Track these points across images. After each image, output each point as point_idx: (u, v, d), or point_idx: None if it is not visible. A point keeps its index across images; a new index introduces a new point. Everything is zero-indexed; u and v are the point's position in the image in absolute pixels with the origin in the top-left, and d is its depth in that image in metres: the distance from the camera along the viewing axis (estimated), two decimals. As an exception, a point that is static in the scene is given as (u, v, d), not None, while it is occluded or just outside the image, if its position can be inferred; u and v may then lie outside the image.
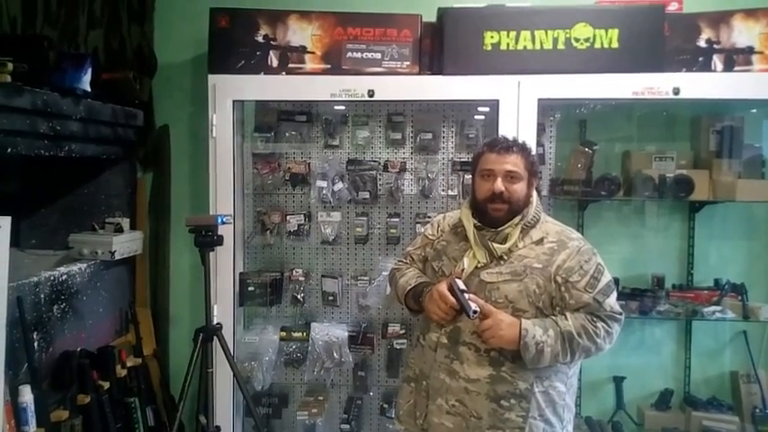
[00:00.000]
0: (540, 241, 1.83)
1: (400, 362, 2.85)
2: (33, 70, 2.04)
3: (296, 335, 2.85)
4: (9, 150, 2.00)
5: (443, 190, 2.88)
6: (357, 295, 2.89)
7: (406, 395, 1.98)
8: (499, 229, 1.82)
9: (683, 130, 2.96)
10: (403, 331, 2.82)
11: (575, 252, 1.80)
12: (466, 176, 2.85)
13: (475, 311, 1.73)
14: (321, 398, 2.91)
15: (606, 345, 1.79)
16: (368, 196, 2.85)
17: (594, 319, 1.77)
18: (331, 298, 2.89)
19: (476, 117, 2.87)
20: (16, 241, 2.69)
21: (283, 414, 2.94)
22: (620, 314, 1.81)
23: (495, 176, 1.82)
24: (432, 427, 1.86)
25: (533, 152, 1.89)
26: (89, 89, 2.37)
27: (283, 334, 2.85)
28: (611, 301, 1.80)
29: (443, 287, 1.81)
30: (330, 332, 2.82)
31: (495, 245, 1.82)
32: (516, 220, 1.82)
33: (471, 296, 1.77)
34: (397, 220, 2.89)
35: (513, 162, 1.81)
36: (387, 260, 2.88)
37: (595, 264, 1.81)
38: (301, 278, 2.89)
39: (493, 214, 1.83)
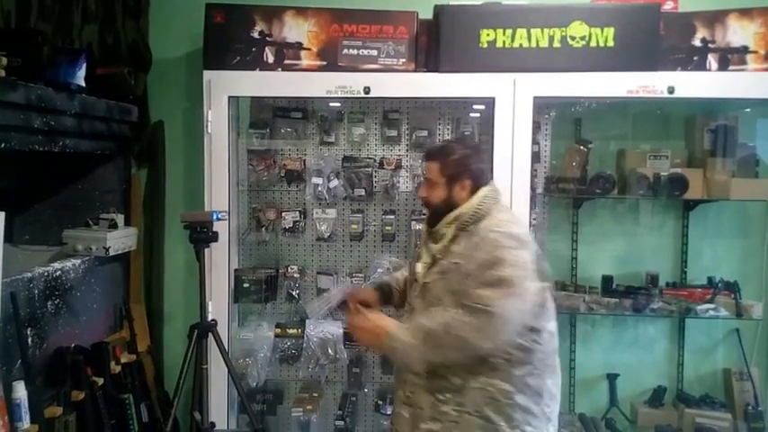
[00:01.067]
0: (471, 239, 1.79)
1: (395, 359, 2.87)
2: (27, 65, 2.03)
3: (291, 331, 2.84)
4: (3, 145, 1.98)
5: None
6: (352, 292, 2.88)
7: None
8: (434, 229, 1.88)
9: (678, 128, 2.97)
10: (398, 328, 2.82)
11: (481, 242, 1.74)
12: (461, 174, 2.86)
13: None
14: (316, 394, 2.92)
15: (481, 341, 1.68)
16: (363, 193, 2.85)
17: (464, 312, 1.68)
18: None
19: (471, 115, 2.88)
20: (9, 237, 2.67)
21: (278, 410, 2.94)
22: (488, 306, 1.65)
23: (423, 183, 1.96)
24: (395, 416, 1.96)
25: (457, 156, 1.86)
26: (83, 84, 2.36)
27: (278, 331, 2.85)
28: (487, 293, 1.66)
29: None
30: (325, 329, 2.81)
31: (431, 244, 1.87)
32: (450, 218, 1.83)
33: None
34: (392, 217, 2.89)
35: (429, 169, 1.90)
36: (382, 257, 2.88)
37: (493, 256, 1.70)
38: (296, 275, 2.89)
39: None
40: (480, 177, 1.87)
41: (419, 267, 1.88)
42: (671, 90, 2.49)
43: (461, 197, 1.84)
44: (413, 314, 1.87)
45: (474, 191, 1.84)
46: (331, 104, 2.90)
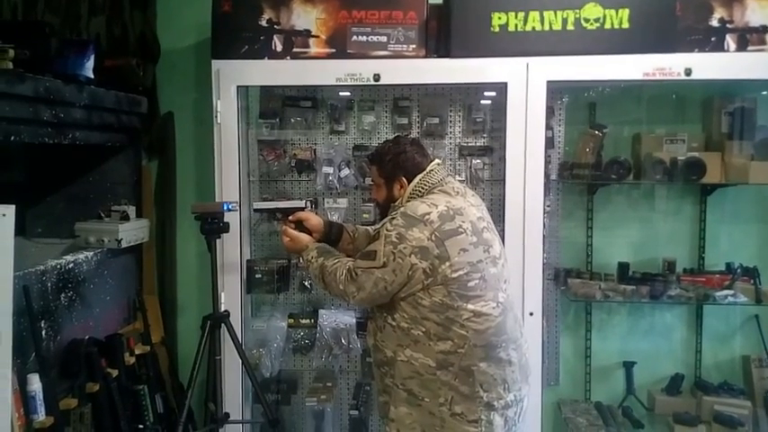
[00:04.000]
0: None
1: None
2: (35, 57, 2.02)
3: (304, 322, 2.84)
4: (12, 138, 1.98)
5: (450, 175, 2.84)
6: (364, 282, 2.87)
7: None
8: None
9: (694, 112, 2.91)
10: (411, 317, 2.81)
11: (383, 232, 1.88)
12: (473, 161, 2.83)
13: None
14: (329, 384, 2.91)
15: (337, 293, 1.94)
16: (374, 182, 2.82)
17: (345, 269, 1.90)
18: (338, 285, 2.87)
19: (483, 102, 2.83)
20: (22, 230, 2.69)
21: (292, 400, 2.94)
22: (352, 271, 1.87)
23: None
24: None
25: (390, 156, 2.01)
26: (92, 76, 2.35)
27: (291, 321, 2.84)
28: (358, 262, 1.90)
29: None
30: (338, 319, 2.81)
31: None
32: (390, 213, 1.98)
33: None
34: (404, 205, 2.86)
35: (372, 172, 2.10)
36: (394, 246, 2.86)
37: (376, 232, 1.91)
38: (308, 265, 2.88)
39: None
40: (414, 170, 1.99)
41: None
42: (688, 72, 2.43)
43: (399, 193, 2.00)
44: None
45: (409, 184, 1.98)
46: (340, 93, 2.86)
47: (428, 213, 1.84)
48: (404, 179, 1.99)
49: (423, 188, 1.96)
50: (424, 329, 1.83)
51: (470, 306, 1.82)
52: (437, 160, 2.05)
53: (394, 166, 2.00)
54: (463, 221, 1.85)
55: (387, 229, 1.85)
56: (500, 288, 1.90)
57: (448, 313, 1.81)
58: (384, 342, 1.91)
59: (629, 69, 2.45)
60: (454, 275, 1.80)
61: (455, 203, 1.89)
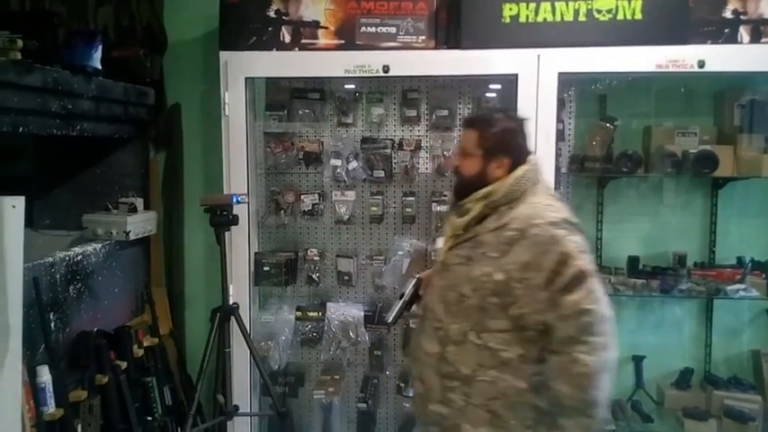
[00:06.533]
0: (501, 227, 1.66)
1: (416, 341, 2.85)
2: (43, 47, 1.99)
3: (312, 314, 2.83)
4: (21, 130, 1.97)
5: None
6: (372, 275, 2.85)
7: None
8: (460, 202, 1.76)
9: (706, 104, 2.88)
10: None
11: (533, 243, 1.60)
12: (482, 154, 2.80)
13: (387, 320, 1.98)
14: (337, 377, 2.91)
15: (603, 353, 1.57)
16: (383, 175, 2.80)
17: (570, 350, 1.57)
18: (346, 278, 2.86)
19: (488, 95, 2.81)
20: (30, 222, 2.67)
21: (300, 393, 2.94)
22: (592, 306, 1.57)
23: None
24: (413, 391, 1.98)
25: (498, 129, 1.72)
26: (100, 67, 2.33)
27: (299, 314, 2.84)
28: (577, 297, 1.56)
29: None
30: (346, 312, 2.80)
31: (454, 218, 1.77)
32: (479, 194, 1.70)
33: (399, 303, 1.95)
34: (412, 198, 2.84)
35: (467, 138, 1.76)
36: (402, 239, 2.85)
37: (557, 253, 1.58)
38: (316, 258, 2.87)
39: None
40: (520, 156, 1.72)
41: (440, 243, 1.85)
42: (701, 64, 2.41)
43: (496, 175, 1.70)
44: (430, 289, 1.83)
45: (511, 170, 1.70)
46: (346, 86, 2.84)
47: (570, 215, 1.67)
48: (506, 162, 1.70)
49: (527, 183, 1.69)
50: (521, 352, 1.65)
51: None
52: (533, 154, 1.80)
53: (501, 142, 1.71)
54: None
55: (562, 246, 1.58)
56: None
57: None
58: (458, 357, 1.70)
59: (642, 61, 2.42)
60: None
61: None
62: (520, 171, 1.70)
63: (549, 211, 1.65)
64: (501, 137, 1.72)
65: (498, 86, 2.77)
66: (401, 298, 1.94)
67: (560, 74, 2.42)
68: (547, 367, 1.64)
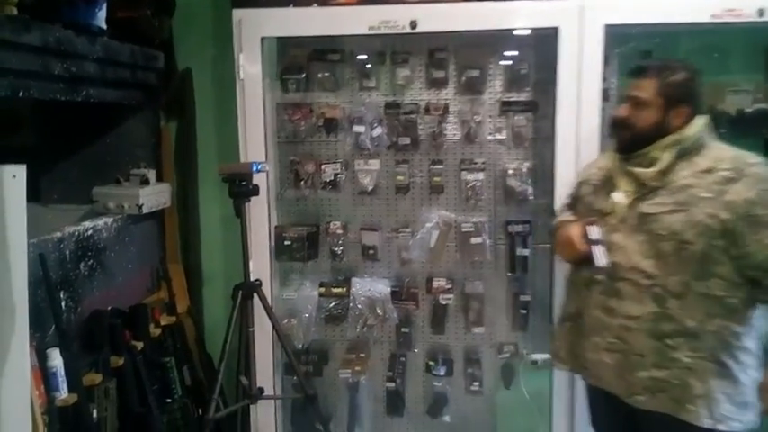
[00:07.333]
0: (709, 170, 1.67)
1: (446, 317, 2.70)
2: (42, 3, 1.83)
3: (336, 291, 2.69)
4: (21, 94, 1.81)
5: (490, 134, 2.63)
6: (399, 248, 2.69)
7: (563, 335, 1.97)
8: (641, 152, 1.74)
9: (756, 60, 2.64)
10: (449, 286, 2.64)
11: (755, 181, 1.62)
12: (516, 118, 2.60)
13: (604, 265, 1.72)
14: (363, 355, 2.77)
15: None
16: (408, 142, 2.62)
17: None
18: (371, 251, 2.69)
19: (514, 54, 2.60)
20: (37, 196, 2.54)
21: (324, 372, 2.81)
22: None
23: (623, 102, 1.80)
24: (590, 363, 1.85)
25: (680, 77, 1.73)
26: (104, 27, 2.15)
27: (322, 290, 2.69)
28: None
29: (574, 231, 1.81)
30: (372, 287, 2.65)
31: (635, 169, 1.75)
32: (666, 142, 1.71)
33: (602, 248, 1.74)
34: (440, 167, 2.66)
35: (641, 87, 1.74)
36: (430, 210, 2.67)
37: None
38: (339, 231, 2.70)
39: (615, 142, 1.84)
40: (700, 105, 1.76)
41: (618, 197, 1.78)
42: (761, 12, 2.20)
43: (675, 124, 1.72)
44: (618, 250, 1.75)
45: (689, 120, 1.72)
46: (371, 45, 2.64)
47: None
48: (685, 110, 1.72)
49: (707, 133, 1.74)
50: (743, 296, 1.67)
51: None
52: None
53: (685, 90, 1.73)
54: None
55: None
56: None
57: None
58: (683, 310, 1.68)
59: (696, 11, 2.21)
60: None
61: None
62: (702, 120, 1.74)
63: (746, 155, 1.70)
64: (685, 84, 1.73)
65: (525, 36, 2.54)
66: (596, 243, 1.75)
67: (607, 26, 2.20)
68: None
